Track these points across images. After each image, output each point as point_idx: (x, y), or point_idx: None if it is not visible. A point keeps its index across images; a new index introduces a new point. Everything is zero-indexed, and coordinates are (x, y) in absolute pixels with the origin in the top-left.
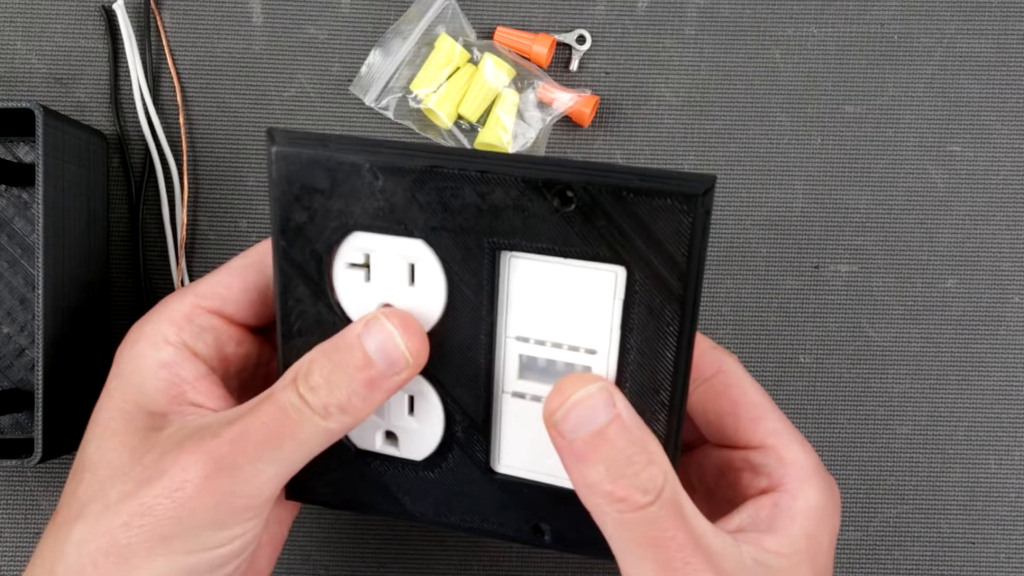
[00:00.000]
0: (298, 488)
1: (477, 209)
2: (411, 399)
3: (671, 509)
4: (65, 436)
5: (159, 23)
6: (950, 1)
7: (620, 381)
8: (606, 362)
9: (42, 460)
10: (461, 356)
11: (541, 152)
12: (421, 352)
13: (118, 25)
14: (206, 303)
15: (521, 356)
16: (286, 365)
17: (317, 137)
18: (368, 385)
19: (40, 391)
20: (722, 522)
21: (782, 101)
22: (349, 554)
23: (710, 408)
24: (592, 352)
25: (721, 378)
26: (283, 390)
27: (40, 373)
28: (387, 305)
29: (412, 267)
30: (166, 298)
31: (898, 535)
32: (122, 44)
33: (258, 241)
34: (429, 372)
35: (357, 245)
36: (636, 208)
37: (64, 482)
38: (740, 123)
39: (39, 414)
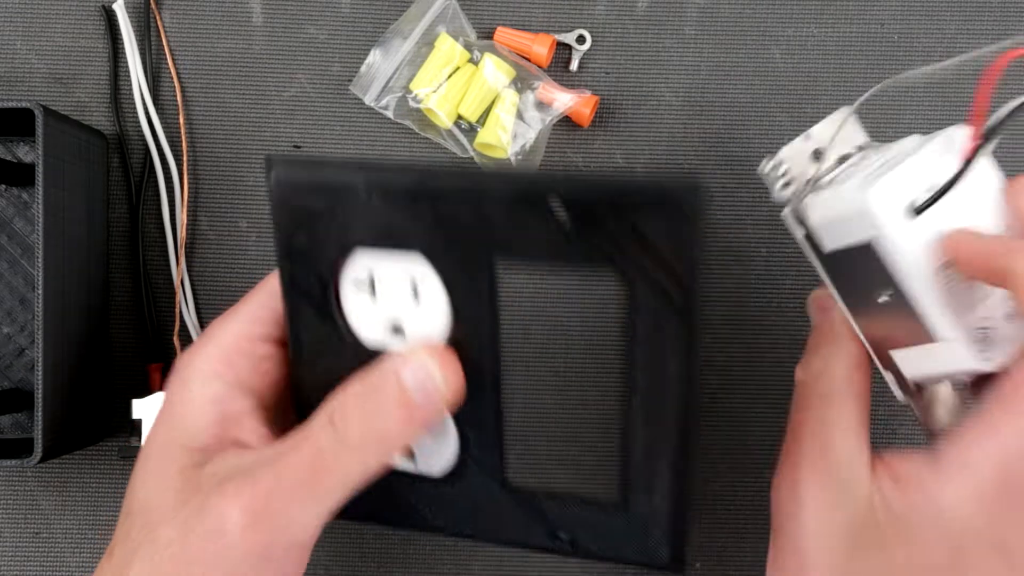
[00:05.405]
0: None
1: (471, 224)
2: None
3: None
4: (65, 436)
5: (159, 23)
6: (950, 1)
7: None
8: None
9: (42, 460)
10: (469, 370)
11: (541, 152)
12: (458, 387)
13: (118, 25)
14: (257, 329)
15: None
16: (298, 388)
17: (314, 161)
18: (405, 422)
19: (40, 391)
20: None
21: (782, 101)
22: (349, 554)
23: None
24: None
25: None
26: (320, 429)
27: (40, 373)
28: (396, 327)
29: (415, 285)
30: (213, 325)
31: None
32: (122, 44)
33: (258, 240)
34: None
35: (360, 263)
36: (630, 217)
37: (64, 482)
38: (740, 123)
39: (39, 414)
